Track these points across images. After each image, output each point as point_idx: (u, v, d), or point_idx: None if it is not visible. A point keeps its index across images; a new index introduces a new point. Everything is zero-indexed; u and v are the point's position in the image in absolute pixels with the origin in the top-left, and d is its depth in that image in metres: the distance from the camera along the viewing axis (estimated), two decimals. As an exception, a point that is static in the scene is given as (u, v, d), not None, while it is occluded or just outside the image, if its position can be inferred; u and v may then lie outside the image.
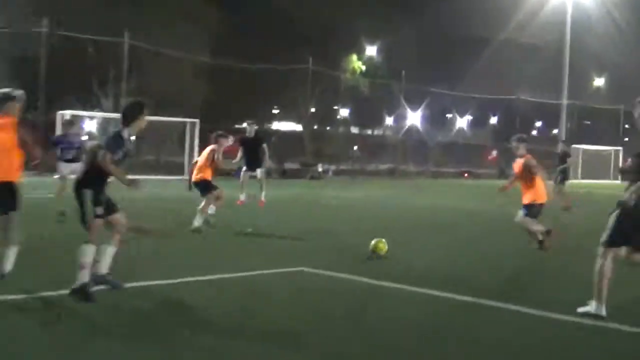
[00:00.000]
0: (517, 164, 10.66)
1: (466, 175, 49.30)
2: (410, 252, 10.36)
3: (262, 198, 16.89)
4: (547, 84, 53.91)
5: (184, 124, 35.26)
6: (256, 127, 17.35)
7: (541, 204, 10.46)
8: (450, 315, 6.54)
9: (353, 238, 11.72)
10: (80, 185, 6.89)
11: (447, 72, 57.49)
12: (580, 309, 6.46)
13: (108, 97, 39.39)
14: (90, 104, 37.97)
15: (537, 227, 10.53)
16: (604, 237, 6.42)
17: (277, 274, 8.20)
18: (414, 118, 61.15)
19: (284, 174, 39.26)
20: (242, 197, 17.07)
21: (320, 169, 43.20)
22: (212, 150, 12.60)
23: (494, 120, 72.84)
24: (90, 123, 34.91)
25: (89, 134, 26.27)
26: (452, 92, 57.54)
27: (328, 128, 57.62)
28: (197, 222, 11.96)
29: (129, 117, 7.01)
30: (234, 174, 18.43)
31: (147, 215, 14.36)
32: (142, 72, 38.90)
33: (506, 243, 11.65)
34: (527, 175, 10.48)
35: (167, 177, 31.50)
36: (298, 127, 56.45)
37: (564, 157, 20.49)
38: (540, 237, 10.48)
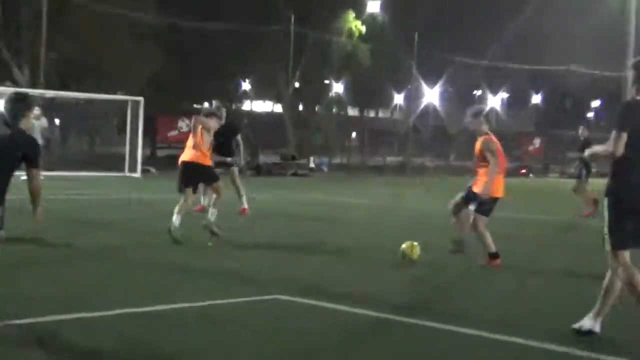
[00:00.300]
0: (477, 144, 11.07)
1: (523, 171, 49.79)
2: (419, 274, 10.38)
3: (245, 204, 16.95)
4: (608, 50, 53.99)
5: (124, 103, 35.17)
6: (224, 109, 17.29)
7: (494, 199, 10.86)
8: (445, 350, 6.74)
9: (342, 256, 11.71)
10: None
11: (474, 35, 57.57)
12: None
13: (23, 67, 39.23)
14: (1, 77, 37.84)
15: (488, 241, 10.84)
16: (606, 241, 6.68)
17: (243, 304, 8.21)
18: (431, 96, 61.22)
19: (258, 170, 39.17)
20: (204, 200, 17.01)
21: (312, 164, 43.24)
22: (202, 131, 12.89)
23: (536, 99, 73.14)
24: (-2, 102, 34.70)
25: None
26: (481, 61, 57.61)
27: (317, 109, 57.71)
28: (210, 216, 12.57)
29: (13, 115, 7.07)
30: None
31: (82, 225, 14.22)
32: (68, 35, 38.72)
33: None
34: (484, 160, 10.88)
35: (104, 174, 31.34)
36: (277, 108, 56.53)
37: (586, 145, 20.79)
38: (492, 250, 10.79)
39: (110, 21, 38.92)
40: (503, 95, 70.83)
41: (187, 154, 12.97)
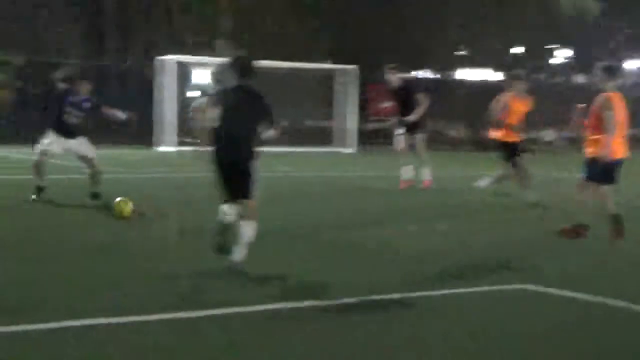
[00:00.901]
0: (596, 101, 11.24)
1: None
2: None
3: (426, 177, 17.62)
4: None
5: (329, 73, 35.68)
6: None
7: (614, 162, 11.03)
8: None
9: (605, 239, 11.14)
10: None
11: None
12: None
13: (225, 39, 40.45)
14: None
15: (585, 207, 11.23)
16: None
17: (487, 294, 8.02)
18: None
19: (478, 146, 38.73)
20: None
21: (550, 138, 42.89)
22: (513, 99, 14.63)
23: None
24: (200, 73, 35.60)
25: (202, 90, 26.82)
26: None
27: (541, 77, 56.28)
28: (531, 196, 14.66)
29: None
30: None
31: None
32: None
33: None
34: (599, 121, 11.08)
35: (313, 149, 32.02)
36: (493, 77, 55.60)
37: None
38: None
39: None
40: None
41: (503, 132, 14.99)
